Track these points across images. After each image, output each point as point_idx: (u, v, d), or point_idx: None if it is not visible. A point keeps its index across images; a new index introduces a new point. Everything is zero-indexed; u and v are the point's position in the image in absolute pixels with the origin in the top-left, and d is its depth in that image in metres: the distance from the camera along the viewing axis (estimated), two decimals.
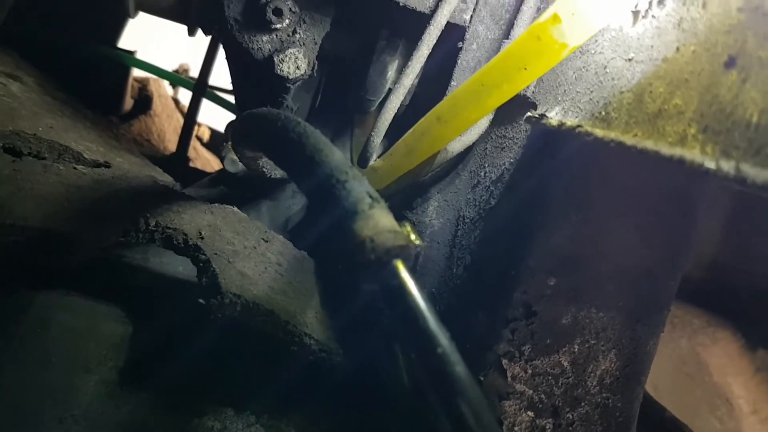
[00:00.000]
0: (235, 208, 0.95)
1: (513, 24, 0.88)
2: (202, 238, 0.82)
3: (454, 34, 0.95)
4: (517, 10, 0.88)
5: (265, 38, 0.91)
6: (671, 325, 1.85)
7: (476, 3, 0.93)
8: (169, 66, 2.25)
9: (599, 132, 0.61)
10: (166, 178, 1.07)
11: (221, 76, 1.86)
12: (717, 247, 1.90)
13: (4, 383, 0.71)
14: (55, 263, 0.77)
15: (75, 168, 0.89)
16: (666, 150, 0.49)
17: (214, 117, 2.35)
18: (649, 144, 0.52)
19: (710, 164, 0.44)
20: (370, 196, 0.55)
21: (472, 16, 0.93)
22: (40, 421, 0.70)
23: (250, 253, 0.87)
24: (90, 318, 0.78)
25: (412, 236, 0.55)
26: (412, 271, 0.53)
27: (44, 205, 0.77)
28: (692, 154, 0.47)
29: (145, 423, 0.76)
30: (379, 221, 0.53)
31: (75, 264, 0.77)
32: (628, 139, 0.55)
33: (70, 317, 0.76)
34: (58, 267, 0.77)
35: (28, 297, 0.75)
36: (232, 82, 1.08)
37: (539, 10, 0.87)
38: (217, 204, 0.93)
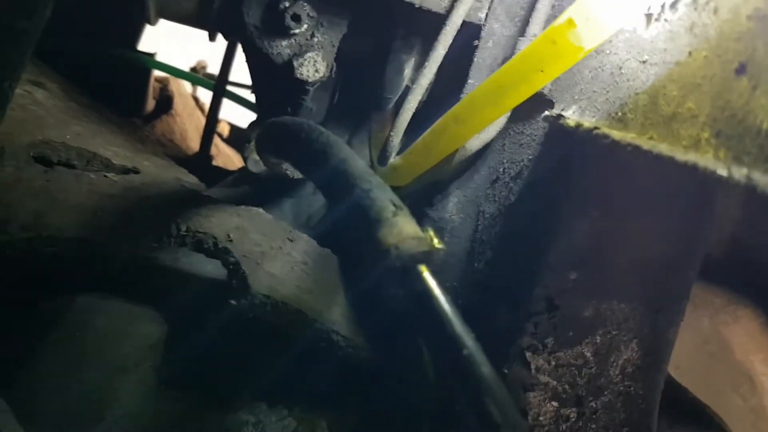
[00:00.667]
0: (261, 210, 0.97)
1: (528, 21, 0.89)
2: (231, 240, 0.85)
3: (469, 32, 0.96)
4: (532, 7, 0.89)
5: (284, 43, 0.93)
6: (692, 305, 1.84)
7: (491, 1, 0.94)
8: (186, 62, 2.27)
9: (616, 134, 0.62)
10: (191, 179, 1.09)
11: (240, 71, 1.88)
12: (737, 225, 1.89)
13: (47, 385, 0.73)
14: (91, 271, 0.79)
15: (105, 176, 0.92)
16: (680, 156, 0.50)
17: (234, 112, 2.37)
18: (664, 148, 0.53)
19: (722, 171, 0.46)
20: (394, 204, 0.57)
21: (487, 14, 0.94)
22: (81, 420, 0.73)
23: (277, 254, 0.89)
24: (126, 320, 0.80)
25: (435, 241, 0.56)
26: (436, 274, 0.55)
27: (79, 215, 0.80)
28: (705, 159, 0.48)
29: (183, 420, 0.79)
30: (403, 229, 0.55)
31: (110, 271, 0.80)
32: (644, 143, 0.57)
33: (106, 320, 0.79)
34: (94, 273, 0.80)
35: (66, 302, 0.78)
36: (253, 85, 1.10)
37: (554, 7, 0.87)
38: (243, 206, 0.95)
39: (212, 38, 1.09)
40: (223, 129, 2.48)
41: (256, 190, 1.24)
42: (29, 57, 0.60)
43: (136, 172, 0.99)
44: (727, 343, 1.83)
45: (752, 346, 1.82)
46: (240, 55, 1.22)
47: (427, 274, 0.54)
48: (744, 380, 1.76)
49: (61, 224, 0.77)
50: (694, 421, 1.06)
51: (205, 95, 1.93)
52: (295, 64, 0.93)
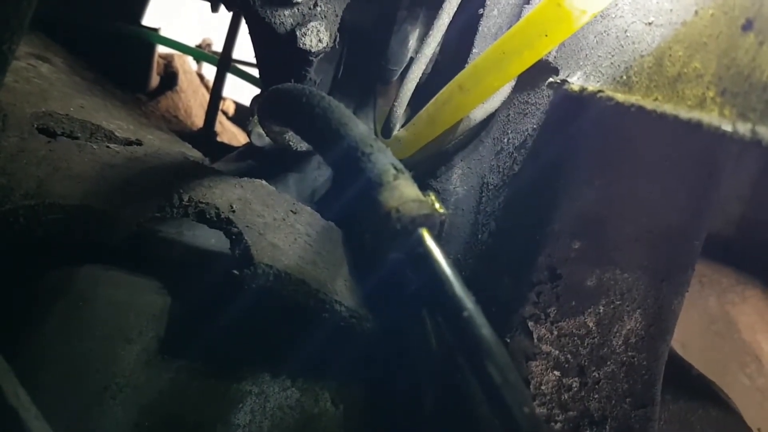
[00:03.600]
0: (264, 182, 0.97)
1: None
2: (234, 211, 0.85)
3: (474, 0, 0.95)
4: None
5: (287, 12, 0.92)
6: (700, 285, 1.85)
7: None
8: (192, 41, 2.26)
9: (620, 96, 0.61)
10: (195, 154, 1.10)
11: (244, 49, 1.88)
12: (746, 205, 1.89)
13: (51, 355, 0.73)
14: (95, 239, 0.79)
15: (108, 147, 0.92)
16: (684, 114, 0.50)
17: (239, 91, 2.37)
18: (668, 108, 0.53)
19: (727, 127, 0.45)
20: (395, 168, 0.56)
21: None
22: (85, 389, 0.73)
23: (280, 225, 0.89)
24: (129, 291, 0.80)
25: (437, 205, 0.56)
26: (438, 239, 0.54)
27: (81, 183, 0.80)
28: (710, 117, 0.48)
29: (186, 389, 0.79)
30: (404, 192, 0.54)
31: (113, 239, 0.80)
32: (648, 104, 0.56)
33: (110, 290, 0.79)
34: (98, 243, 0.80)
35: (70, 272, 0.78)
36: (256, 57, 1.09)
37: None
38: (246, 178, 0.95)
39: (215, 9, 1.08)
40: (229, 107, 2.48)
41: (260, 164, 1.24)
42: (29, 20, 0.59)
43: (139, 144, 1.00)
44: (734, 323, 1.83)
45: (760, 326, 1.82)
46: (245, 34, 1.21)
47: (427, 237, 0.54)
48: (751, 360, 1.76)
49: (63, 192, 0.78)
50: (699, 396, 1.06)
51: (211, 73, 1.92)
52: (298, 33, 0.91)
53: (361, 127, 0.60)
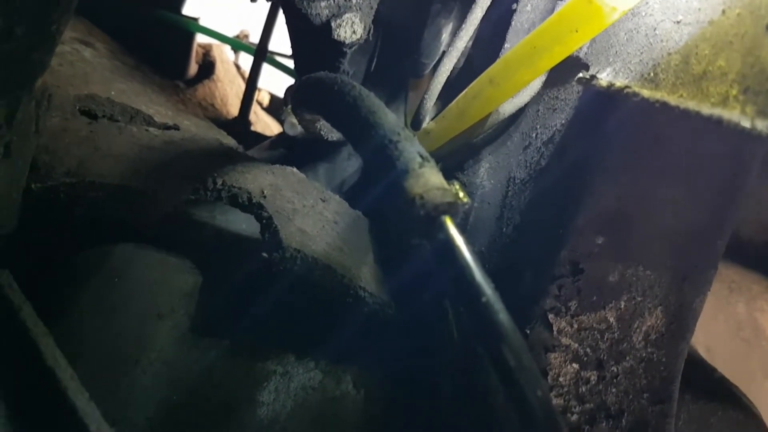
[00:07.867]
0: (295, 169, 0.99)
1: None
2: (265, 196, 0.87)
3: None
4: None
5: (323, 4, 0.94)
6: (729, 290, 1.83)
7: None
8: (231, 32, 2.29)
9: (646, 92, 0.62)
10: (229, 141, 1.12)
11: (281, 41, 1.90)
12: None
13: (85, 328, 0.76)
14: (131, 218, 0.82)
15: (147, 130, 0.95)
16: (707, 110, 0.51)
17: (274, 83, 2.40)
18: (691, 104, 0.54)
19: (746, 123, 0.46)
20: (421, 156, 0.58)
21: None
22: (117, 362, 0.76)
23: (309, 212, 0.91)
24: (163, 270, 0.83)
25: (461, 194, 0.57)
26: (461, 228, 0.56)
27: (120, 164, 0.83)
28: (731, 114, 0.48)
29: (214, 366, 0.81)
30: (429, 179, 0.56)
31: (149, 220, 0.83)
32: (673, 100, 0.57)
33: (144, 269, 0.81)
34: (134, 222, 0.83)
35: (106, 250, 0.81)
36: (291, 47, 1.11)
37: None
38: (277, 165, 0.98)
39: None
40: (264, 98, 2.51)
41: (292, 153, 1.27)
42: (77, 1, 0.62)
43: (176, 128, 1.02)
44: (763, 330, 1.80)
45: None
46: (282, 26, 1.23)
47: (450, 225, 0.55)
48: None
49: (103, 171, 0.81)
50: (720, 398, 1.05)
51: (248, 64, 1.95)
52: (333, 25, 0.93)
53: (390, 116, 0.62)
